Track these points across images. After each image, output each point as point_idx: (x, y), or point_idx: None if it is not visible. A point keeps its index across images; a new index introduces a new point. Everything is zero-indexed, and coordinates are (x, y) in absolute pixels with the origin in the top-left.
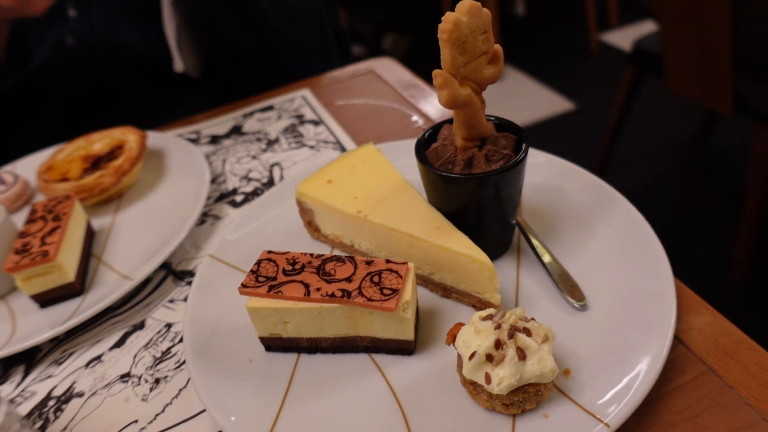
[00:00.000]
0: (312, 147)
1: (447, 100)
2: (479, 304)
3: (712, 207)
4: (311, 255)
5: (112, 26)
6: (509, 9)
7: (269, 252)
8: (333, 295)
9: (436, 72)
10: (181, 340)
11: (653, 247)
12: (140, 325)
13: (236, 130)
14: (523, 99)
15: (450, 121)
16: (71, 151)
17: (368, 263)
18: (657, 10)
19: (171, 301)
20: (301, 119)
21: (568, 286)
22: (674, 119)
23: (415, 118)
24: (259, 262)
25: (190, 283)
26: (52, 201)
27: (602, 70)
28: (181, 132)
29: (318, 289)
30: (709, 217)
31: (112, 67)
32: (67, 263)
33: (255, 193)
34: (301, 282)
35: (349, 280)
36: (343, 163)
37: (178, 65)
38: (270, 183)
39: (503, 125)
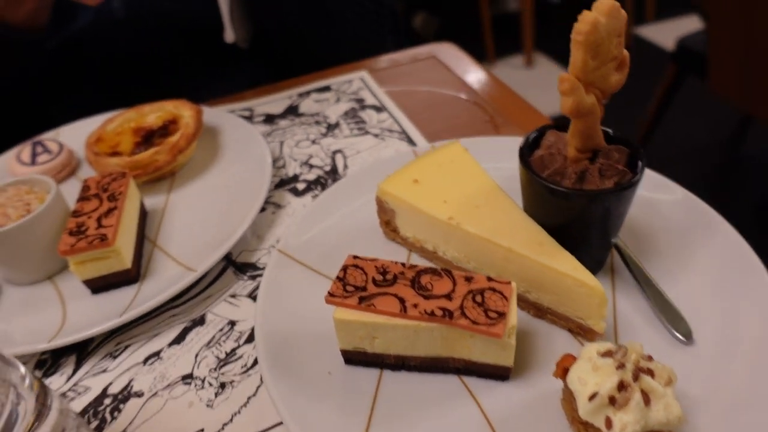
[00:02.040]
0: (376, 135)
1: (571, 108)
2: (578, 329)
3: (742, 214)
4: (402, 265)
5: None
6: None
7: (355, 257)
8: (433, 313)
9: (563, 76)
10: (247, 341)
11: (761, 278)
12: (200, 321)
13: (292, 111)
14: (553, 89)
15: (554, 126)
16: (121, 123)
17: (468, 279)
18: (707, 9)
19: (233, 295)
20: (361, 104)
21: (671, 317)
22: (708, 121)
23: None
24: (345, 269)
25: (252, 278)
26: (106, 178)
27: (636, 65)
28: (233, 108)
29: (415, 306)
30: (738, 224)
31: (158, 35)
32: (124, 248)
33: (318, 182)
34: (395, 296)
35: (449, 297)
36: (429, 162)
37: (229, 35)
38: (333, 171)
39: (614, 137)
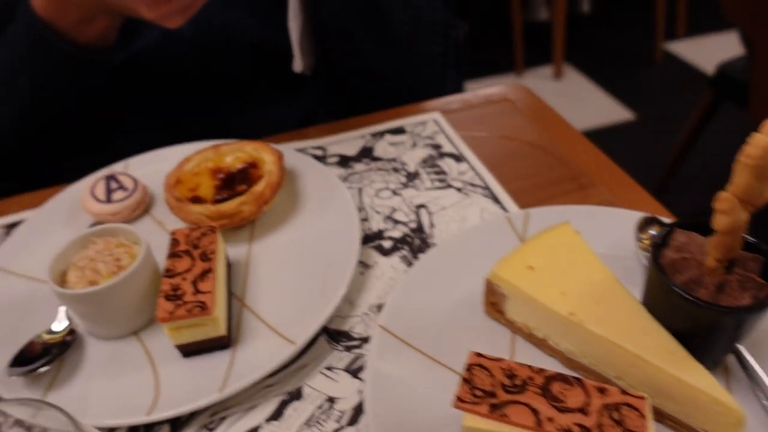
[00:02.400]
0: (459, 189)
1: (726, 227)
2: None
3: None
4: (530, 368)
5: (228, 15)
6: (576, 6)
7: (478, 355)
8: (570, 431)
9: (723, 196)
10: (350, 423)
11: None
12: (297, 394)
13: (367, 153)
14: (581, 103)
15: (679, 225)
16: (198, 162)
17: (601, 391)
18: (752, 37)
19: (329, 368)
20: (439, 150)
21: None
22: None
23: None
24: (469, 368)
25: (348, 348)
26: (195, 232)
27: (665, 82)
28: (301, 146)
29: (550, 419)
30: None
31: (223, 58)
32: (220, 315)
33: (404, 241)
34: (528, 405)
35: (583, 411)
36: (540, 245)
37: (298, 64)
38: (419, 230)
39: (748, 243)
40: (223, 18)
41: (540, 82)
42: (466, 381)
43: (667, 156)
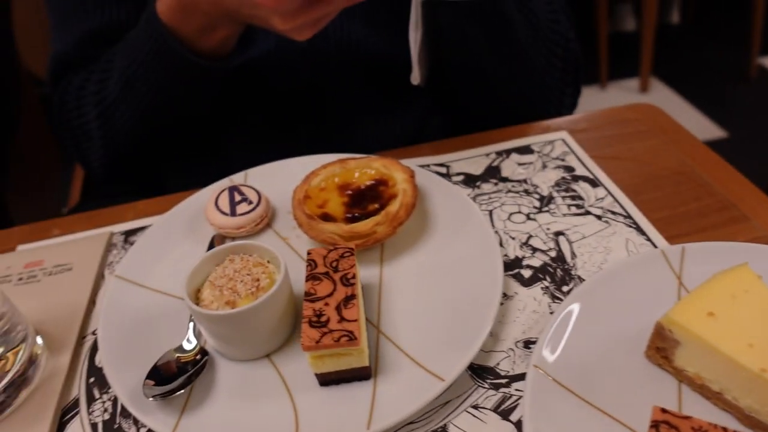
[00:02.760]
0: (599, 217)
1: None
2: None
3: None
4: (724, 429)
5: (345, 25)
6: (665, 16)
7: (663, 411)
8: None
9: None
10: None
11: None
12: None
13: (493, 173)
14: None
15: None
16: (325, 177)
17: None
18: None
19: (475, 407)
20: (571, 173)
21: None
22: None
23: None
24: (656, 426)
25: (494, 387)
26: (332, 253)
27: (760, 99)
28: (423, 162)
29: None
30: None
31: (338, 68)
32: (365, 345)
33: (545, 271)
34: None
35: None
36: (720, 289)
37: (416, 76)
38: (560, 259)
39: None
40: (341, 28)
41: (624, 95)
42: None
43: (765, 178)
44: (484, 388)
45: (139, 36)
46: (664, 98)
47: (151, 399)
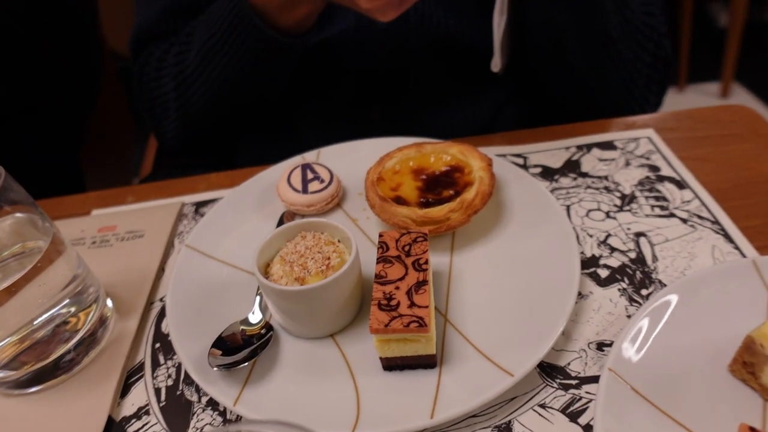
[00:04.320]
0: (684, 221)
1: None
2: None
3: None
4: None
5: (426, 8)
6: (756, 14)
7: (752, 429)
8: None
9: None
10: None
11: None
12: (506, 430)
13: (573, 167)
14: None
15: None
16: (400, 160)
17: None
18: None
19: (542, 406)
20: (656, 173)
21: None
22: None
23: None
24: None
25: (563, 387)
26: (404, 236)
27: None
28: (501, 151)
29: None
30: None
31: (415, 50)
32: (434, 333)
33: (623, 272)
34: None
35: None
36: None
37: (497, 63)
38: (641, 261)
39: None
40: (421, 11)
41: (702, 99)
42: None
43: None
44: (553, 387)
45: (221, 9)
46: (746, 105)
47: (215, 369)
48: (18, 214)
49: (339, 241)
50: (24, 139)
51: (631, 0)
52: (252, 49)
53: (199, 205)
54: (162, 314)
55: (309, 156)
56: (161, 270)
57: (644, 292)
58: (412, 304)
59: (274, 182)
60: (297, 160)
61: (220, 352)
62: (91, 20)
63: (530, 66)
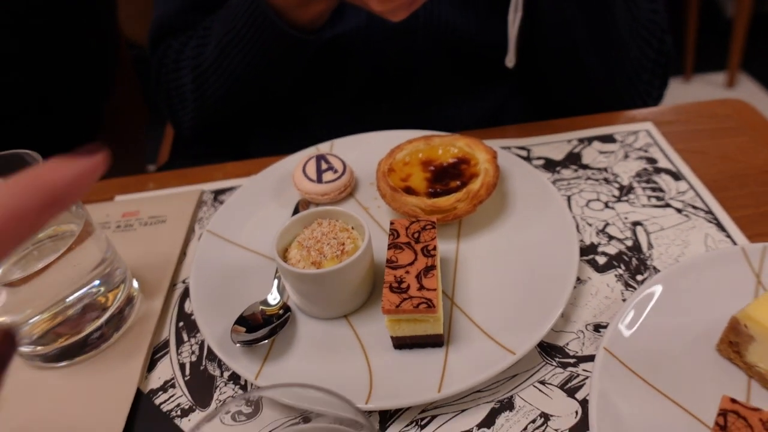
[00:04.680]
0: (679, 210)
1: None
2: None
3: None
4: None
5: (434, 7)
6: (762, 5)
7: (733, 401)
8: None
9: None
10: None
11: None
12: (508, 404)
13: (574, 159)
14: None
15: None
16: (410, 152)
17: None
18: None
19: (542, 382)
20: (654, 165)
21: None
22: None
23: None
24: (723, 415)
25: (562, 365)
26: (414, 224)
27: None
28: (504, 144)
29: None
30: None
31: (424, 48)
32: (441, 314)
33: (620, 259)
34: None
35: None
36: None
37: (511, 58)
38: (636, 249)
39: None
40: (430, 9)
41: (708, 90)
42: (721, 428)
43: None
44: (552, 365)
45: (239, 6)
46: (750, 95)
47: (237, 344)
48: None
49: (353, 228)
50: (41, 128)
51: None
52: (268, 45)
53: (218, 193)
54: (185, 295)
55: (323, 147)
56: (183, 254)
57: (639, 277)
58: (421, 287)
59: (289, 172)
60: (311, 151)
61: (244, 330)
62: (110, 10)
63: (540, 62)
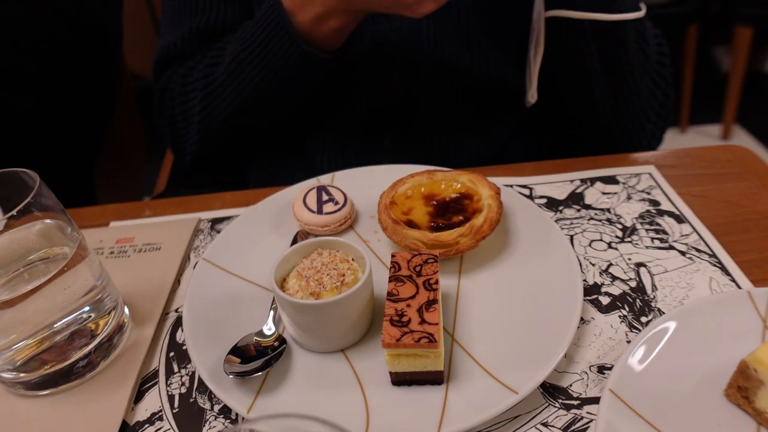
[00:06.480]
0: (683, 253)
1: None
2: None
3: None
4: None
5: (438, 40)
6: (756, 63)
7: None
8: None
9: None
10: None
11: None
12: None
13: (576, 199)
14: None
15: None
16: (413, 185)
17: None
18: None
19: (545, 424)
20: (657, 207)
21: None
22: None
23: None
24: None
25: (566, 407)
26: (416, 257)
27: None
28: (507, 182)
29: None
30: None
31: (431, 81)
32: (443, 349)
33: (624, 300)
34: None
35: None
36: None
37: (533, 95)
38: (640, 290)
39: None
40: (434, 43)
41: (703, 140)
42: None
43: None
44: (555, 407)
45: (258, 22)
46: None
47: (230, 376)
48: (48, 221)
49: (353, 259)
50: (42, 153)
51: (648, 36)
52: (283, 62)
53: (215, 222)
54: (177, 324)
55: (324, 179)
56: (177, 282)
57: (644, 319)
58: (423, 321)
59: (289, 202)
60: (312, 182)
61: (238, 360)
62: (117, 43)
63: (554, 97)
